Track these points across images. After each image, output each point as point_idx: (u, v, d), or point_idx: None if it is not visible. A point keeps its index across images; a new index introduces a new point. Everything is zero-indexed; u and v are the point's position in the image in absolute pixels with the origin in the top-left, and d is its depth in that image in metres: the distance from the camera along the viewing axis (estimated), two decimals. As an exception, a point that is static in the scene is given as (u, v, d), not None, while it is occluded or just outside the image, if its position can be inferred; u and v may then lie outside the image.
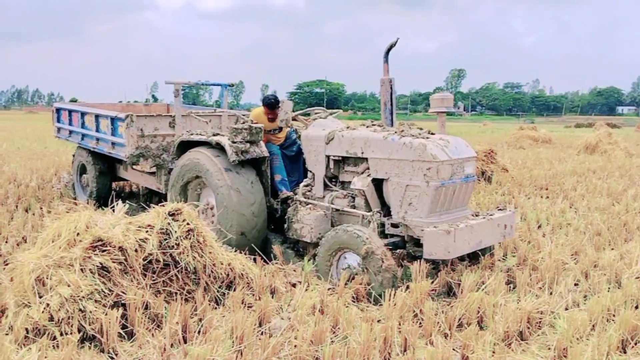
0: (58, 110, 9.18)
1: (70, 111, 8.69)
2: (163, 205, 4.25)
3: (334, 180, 5.49)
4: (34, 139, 20.81)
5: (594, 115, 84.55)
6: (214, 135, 5.68)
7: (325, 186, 5.47)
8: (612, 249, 5.82)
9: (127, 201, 4.98)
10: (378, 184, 4.98)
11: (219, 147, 5.53)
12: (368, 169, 5.03)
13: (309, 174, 5.62)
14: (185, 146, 6.01)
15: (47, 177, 10.36)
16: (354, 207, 5.13)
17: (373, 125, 5.27)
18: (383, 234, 4.82)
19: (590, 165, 13.20)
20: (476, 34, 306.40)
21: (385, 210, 4.98)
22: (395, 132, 4.87)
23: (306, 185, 5.61)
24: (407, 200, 4.66)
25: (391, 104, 5.36)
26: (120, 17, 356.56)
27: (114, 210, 4.31)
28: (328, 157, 5.37)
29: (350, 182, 5.22)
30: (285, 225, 5.45)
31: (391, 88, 5.31)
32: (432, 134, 4.91)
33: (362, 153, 5.02)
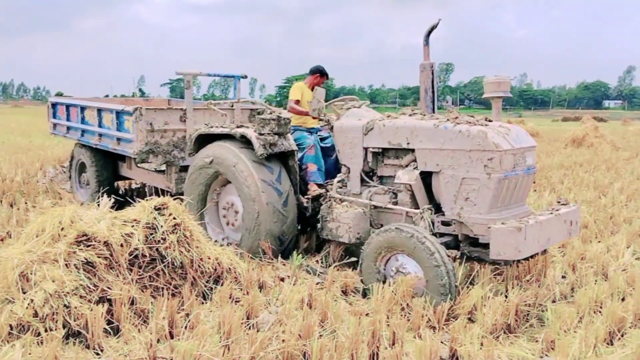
0: (54, 105, 8.71)
1: (68, 106, 8.23)
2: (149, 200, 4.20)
3: (370, 174, 5.06)
4: (19, 133, 20.57)
5: (581, 109, 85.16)
6: (237, 127, 5.32)
7: (362, 181, 5.03)
8: (599, 241, 5.86)
9: (112, 195, 4.91)
10: (425, 177, 4.57)
11: (244, 140, 5.17)
12: (414, 161, 4.61)
13: (343, 169, 5.16)
14: (203, 140, 5.65)
15: (32, 171, 10.24)
16: (395, 203, 4.72)
17: (414, 113, 4.88)
18: (432, 233, 4.33)
19: (577, 158, 13.29)
20: (467, 28, 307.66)
21: (433, 206, 4.54)
22: (448, 120, 4.43)
23: (340, 181, 5.16)
24: (463, 195, 4.23)
25: (432, 91, 4.93)
26: (109, 10, 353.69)
27: (99, 205, 4.25)
28: (366, 149, 4.92)
29: (390, 177, 4.84)
30: (319, 225, 5.03)
31: (432, 74, 4.89)
32: (490, 121, 4.52)
33: (408, 144, 4.58)
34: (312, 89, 5.76)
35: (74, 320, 3.39)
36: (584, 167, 11.61)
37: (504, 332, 3.65)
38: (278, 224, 4.97)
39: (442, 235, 4.43)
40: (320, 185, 5.37)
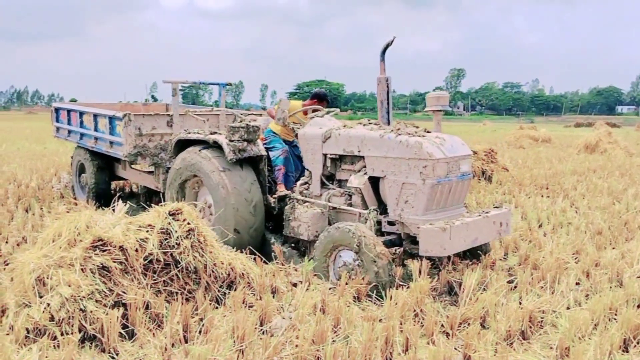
0: (57, 109, 9.30)
1: (68, 111, 8.81)
2: (163, 205, 4.24)
3: (330, 178, 5.51)
4: (34, 140, 20.80)
5: (594, 114, 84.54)
6: (211, 134, 5.71)
7: (323, 184, 5.49)
8: (613, 248, 5.82)
9: (127, 201, 4.97)
10: (374, 182, 5.02)
11: (217, 146, 5.57)
12: (365, 167, 5.07)
13: (307, 173, 5.67)
14: (183, 145, 6.05)
15: (46, 177, 10.36)
16: (350, 205, 5.16)
17: (370, 123, 5.30)
18: (380, 232, 4.87)
19: (590, 164, 13.19)
20: (479, 33, 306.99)
21: (382, 208, 5.01)
22: (392, 131, 4.90)
23: (303, 184, 5.65)
24: (403, 198, 4.70)
25: (388, 103, 5.40)
26: (121, 16, 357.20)
27: (114, 210, 4.30)
28: (325, 155, 5.41)
29: (347, 181, 5.25)
30: (283, 224, 5.47)
31: (387, 87, 5.38)
32: (428, 132, 4.95)
33: (359, 151, 5.05)
34: (306, 113, 6.17)
35: (90, 325, 3.42)
36: (597, 173, 11.52)
37: (518, 339, 3.63)
38: (246, 225, 5.31)
39: (388, 234, 4.90)
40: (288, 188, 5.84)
